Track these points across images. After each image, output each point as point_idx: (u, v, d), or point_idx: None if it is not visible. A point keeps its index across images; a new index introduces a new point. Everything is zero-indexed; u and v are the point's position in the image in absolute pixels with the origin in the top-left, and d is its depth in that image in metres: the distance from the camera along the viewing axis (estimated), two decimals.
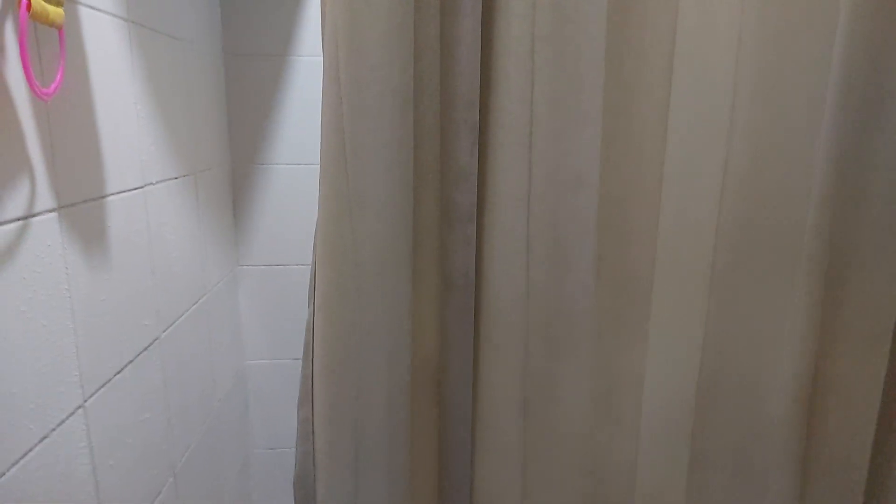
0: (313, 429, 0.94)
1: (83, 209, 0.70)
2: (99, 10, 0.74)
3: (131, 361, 0.79)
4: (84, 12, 0.71)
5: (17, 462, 0.59)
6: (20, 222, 0.60)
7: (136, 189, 0.81)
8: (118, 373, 0.76)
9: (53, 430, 0.65)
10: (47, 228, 0.64)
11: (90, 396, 0.71)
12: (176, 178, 0.94)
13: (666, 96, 0.97)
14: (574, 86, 0.88)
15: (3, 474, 0.57)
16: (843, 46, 0.90)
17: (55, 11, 0.61)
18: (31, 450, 0.61)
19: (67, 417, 0.68)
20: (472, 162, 0.94)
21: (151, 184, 0.86)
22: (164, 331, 0.89)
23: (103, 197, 0.74)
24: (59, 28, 0.64)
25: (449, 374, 1.04)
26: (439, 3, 0.90)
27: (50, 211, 0.65)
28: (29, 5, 0.56)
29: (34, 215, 0.62)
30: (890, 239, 0.93)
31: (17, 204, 0.59)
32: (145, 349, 0.83)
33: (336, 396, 0.92)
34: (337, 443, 0.93)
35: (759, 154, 0.98)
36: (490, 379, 1.04)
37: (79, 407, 0.70)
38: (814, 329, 0.98)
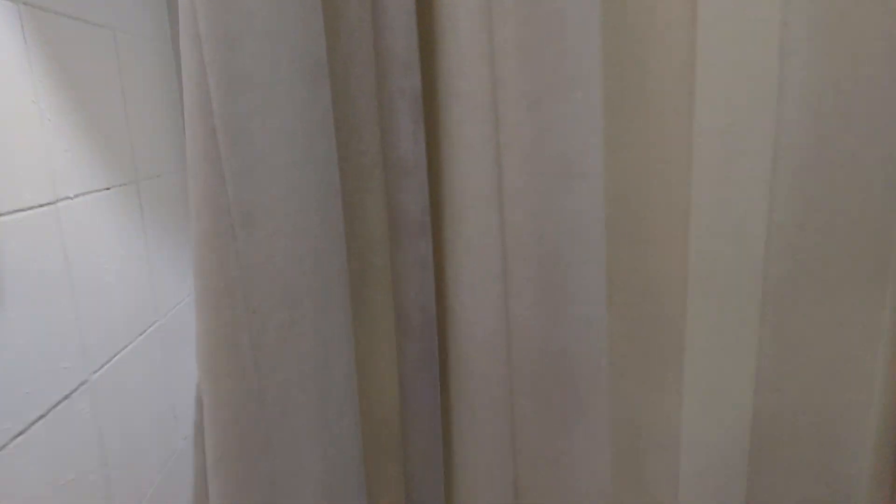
0: None
1: None
2: None
3: (42, 416, 0.68)
4: None
5: None
6: None
7: (42, 206, 0.71)
8: (21, 433, 0.65)
9: None
10: None
11: None
12: (107, 189, 0.83)
13: (691, 46, 0.70)
14: (553, 29, 0.60)
15: None
16: None
17: None
18: None
19: None
20: (418, 150, 0.67)
21: (68, 198, 0.75)
22: (94, 372, 0.78)
23: None
24: None
25: (412, 447, 0.76)
26: None
27: None
28: None
29: None
30: None
31: None
32: (66, 397, 0.72)
33: (239, 494, 0.63)
34: None
35: (821, 125, 0.78)
36: (467, 455, 0.76)
37: None
38: None
